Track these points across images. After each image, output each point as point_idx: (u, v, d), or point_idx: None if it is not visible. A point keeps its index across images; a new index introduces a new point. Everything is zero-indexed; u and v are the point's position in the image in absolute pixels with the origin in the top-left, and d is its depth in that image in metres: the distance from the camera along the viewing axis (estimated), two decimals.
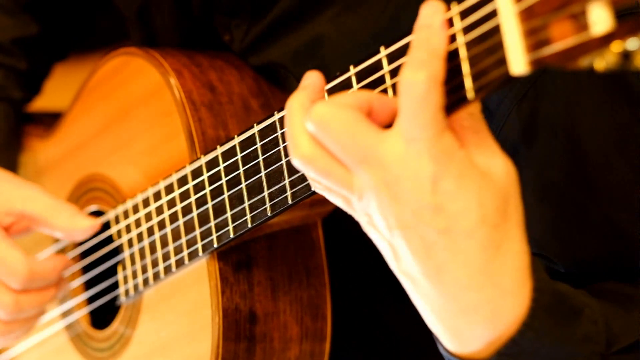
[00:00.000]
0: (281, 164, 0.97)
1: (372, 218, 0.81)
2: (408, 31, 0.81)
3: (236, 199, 1.02)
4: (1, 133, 1.36)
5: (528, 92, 0.97)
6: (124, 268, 1.19)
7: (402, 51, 0.82)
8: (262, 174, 0.99)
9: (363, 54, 0.87)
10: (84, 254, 1.27)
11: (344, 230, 1.12)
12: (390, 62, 0.84)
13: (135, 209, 1.16)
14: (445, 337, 0.83)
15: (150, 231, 1.14)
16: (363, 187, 0.79)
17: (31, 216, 1.17)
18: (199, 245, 1.07)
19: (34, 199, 1.17)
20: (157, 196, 1.12)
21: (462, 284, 0.79)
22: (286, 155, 0.96)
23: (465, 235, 0.77)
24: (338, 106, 0.80)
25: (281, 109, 0.97)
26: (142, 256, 1.15)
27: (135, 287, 1.17)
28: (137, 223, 1.15)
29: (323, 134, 0.80)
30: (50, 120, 1.36)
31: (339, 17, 1.08)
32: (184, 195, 1.09)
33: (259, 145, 0.99)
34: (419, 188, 0.76)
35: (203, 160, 1.06)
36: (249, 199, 1.01)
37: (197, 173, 1.07)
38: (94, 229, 1.17)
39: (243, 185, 1.01)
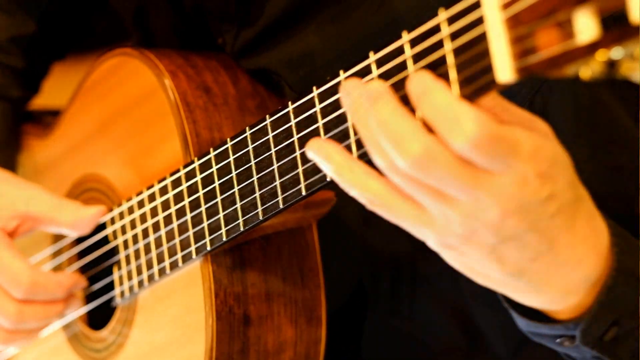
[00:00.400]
0: (272, 168, 0.97)
1: (477, 233, 0.81)
2: (396, 36, 0.81)
3: (229, 202, 1.02)
4: (1, 128, 1.36)
5: (542, 87, 0.99)
6: (120, 269, 1.19)
7: (391, 56, 0.82)
8: (254, 177, 0.99)
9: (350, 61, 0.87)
10: (81, 255, 1.27)
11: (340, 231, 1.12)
12: (379, 66, 0.83)
13: (131, 211, 1.16)
14: (550, 300, 0.87)
15: (145, 233, 1.14)
16: (476, 210, 0.79)
17: (36, 217, 1.17)
18: (193, 248, 1.07)
19: (36, 199, 1.17)
20: (151, 198, 1.13)
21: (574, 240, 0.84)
22: (277, 160, 0.96)
23: (570, 205, 0.82)
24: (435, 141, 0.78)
25: (273, 112, 0.97)
26: (137, 258, 1.15)
27: (131, 288, 1.17)
28: (132, 224, 1.16)
29: (429, 170, 0.78)
30: (50, 119, 1.36)
31: (323, 28, 1.08)
32: (178, 198, 1.09)
33: (250, 148, 0.99)
34: (533, 190, 0.79)
35: (196, 162, 1.06)
36: (241, 202, 1.01)
37: (190, 175, 1.07)
38: (100, 214, 1.17)
39: (235, 188, 1.01)
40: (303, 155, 0.92)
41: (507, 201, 0.78)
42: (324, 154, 0.86)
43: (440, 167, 0.76)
